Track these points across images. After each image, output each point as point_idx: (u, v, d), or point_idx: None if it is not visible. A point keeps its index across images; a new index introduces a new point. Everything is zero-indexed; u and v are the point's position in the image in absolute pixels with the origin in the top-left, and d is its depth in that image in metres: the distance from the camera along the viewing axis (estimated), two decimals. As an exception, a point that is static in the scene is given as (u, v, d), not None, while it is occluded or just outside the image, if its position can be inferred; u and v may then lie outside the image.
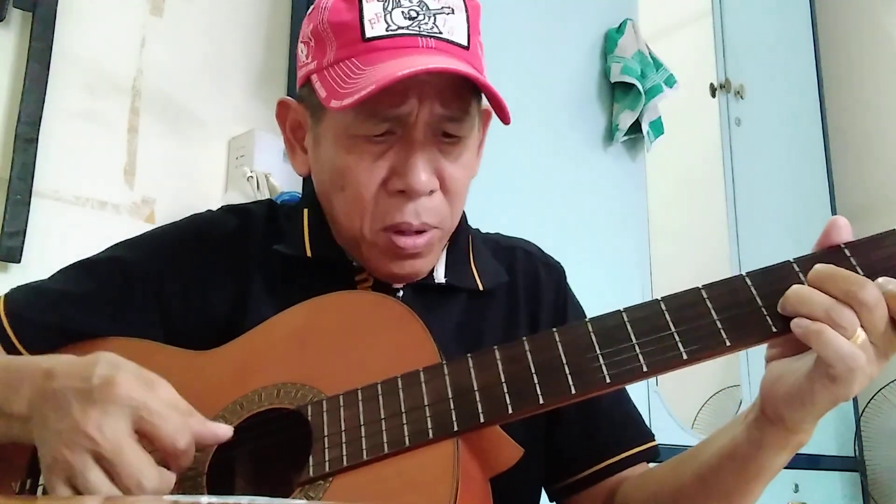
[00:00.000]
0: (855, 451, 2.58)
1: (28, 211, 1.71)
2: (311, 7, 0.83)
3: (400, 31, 0.77)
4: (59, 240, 1.74)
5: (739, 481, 0.71)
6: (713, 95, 2.65)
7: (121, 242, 0.92)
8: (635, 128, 2.26)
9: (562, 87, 2.22)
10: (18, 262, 1.67)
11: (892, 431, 2.51)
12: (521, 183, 2.02)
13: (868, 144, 2.91)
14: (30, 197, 1.72)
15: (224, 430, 0.69)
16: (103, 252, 0.91)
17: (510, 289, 0.91)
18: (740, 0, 2.77)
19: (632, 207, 2.30)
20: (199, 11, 2.11)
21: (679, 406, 2.29)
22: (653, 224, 2.34)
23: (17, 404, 0.69)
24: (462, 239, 0.91)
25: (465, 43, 0.80)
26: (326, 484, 0.66)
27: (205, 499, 0.54)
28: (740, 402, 2.41)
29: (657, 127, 2.32)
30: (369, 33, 0.77)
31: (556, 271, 0.96)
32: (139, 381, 0.65)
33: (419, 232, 0.80)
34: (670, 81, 2.32)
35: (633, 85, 2.24)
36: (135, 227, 0.93)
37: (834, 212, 2.84)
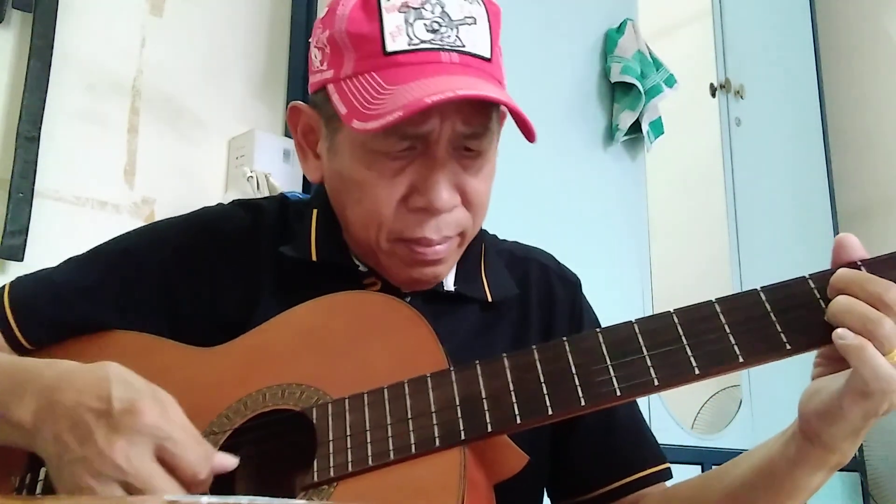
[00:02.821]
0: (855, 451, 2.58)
1: (30, 210, 1.71)
2: (326, 11, 0.81)
3: (423, 46, 0.74)
4: (59, 239, 1.74)
5: (772, 500, 0.70)
6: (713, 95, 2.65)
7: (131, 232, 0.90)
8: (635, 128, 2.26)
9: (562, 87, 2.22)
10: (21, 260, 1.68)
11: (892, 431, 2.51)
12: (521, 183, 2.02)
13: (868, 144, 2.91)
14: (31, 196, 1.72)
15: (233, 461, 0.68)
16: (113, 241, 0.89)
17: (523, 301, 0.89)
18: (740, 0, 2.77)
19: (632, 207, 2.30)
20: (199, 11, 2.11)
21: (679, 406, 2.29)
22: (653, 224, 2.34)
23: (20, 412, 0.67)
24: (475, 247, 0.89)
25: (487, 55, 0.77)
26: (331, 489, 0.65)
27: (205, 499, 0.54)
28: (740, 402, 2.41)
29: (657, 127, 2.32)
30: (391, 47, 0.74)
31: (571, 285, 0.94)
32: (158, 406, 0.65)
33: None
34: (670, 81, 2.32)
35: (633, 85, 2.24)
36: (134, 227, 0.92)
37: (834, 212, 2.84)
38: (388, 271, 0.82)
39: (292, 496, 0.68)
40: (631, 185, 2.32)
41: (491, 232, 0.98)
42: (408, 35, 0.74)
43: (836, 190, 2.87)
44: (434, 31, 0.75)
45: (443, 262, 0.81)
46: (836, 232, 2.81)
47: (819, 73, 2.96)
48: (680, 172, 2.80)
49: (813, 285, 0.64)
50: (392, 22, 0.74)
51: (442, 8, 0.76)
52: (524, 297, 0.90)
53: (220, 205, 0.93)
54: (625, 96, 2.26)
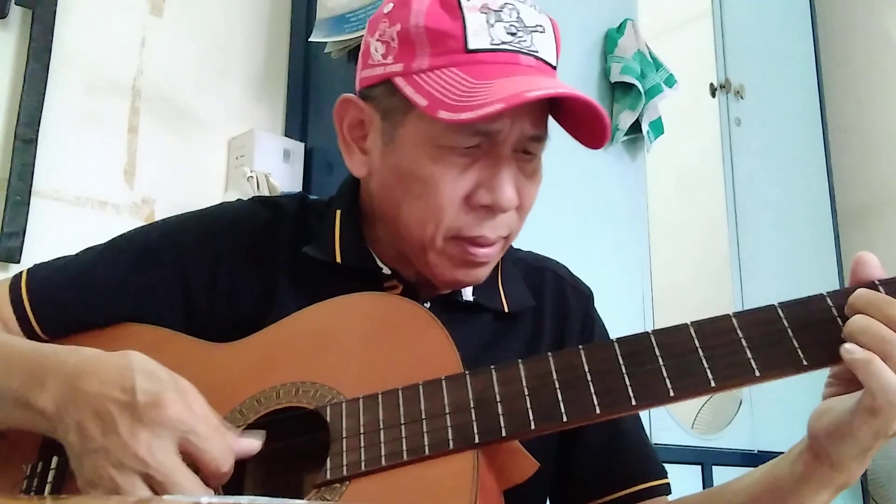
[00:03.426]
0: (855, 451, 2.58)
1: (28, 211, 1.71)
2: (391, 6, 0.81)
3: (503, 47, 0.76)
4: (58, 240, 1.74)
5: None
6: (713, 95, 2.65)
7: (151, 226, 0.91)
8: (635, 128, 2.26)
9: (562, 87, 2.22)
10: (18, 262, 1.68)
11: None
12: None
13: (868, 144, 2.91)
14: (29, 197, 1.72)
15: (257, 444, 0.69)
16: (133, 234, 0.90)
17: (537, 311, 0.90)
18: (740, 0, 2.77)
19: (632, 207, 2.30)
20: (199, 11, 2.11)
21: (679, 406, 2.29)
22: (653, 224, 2.34)
23: (43, 399, 0.68)
24: None
25: (554, 63, 0.81)
26: (343, 488, 0.65)
27: (205, 499, 0.54)
28: (740, 402, 2.41)
29: (657, 127, 2.32)
30: (473, 45, 0.75)
31: (584, 297, 0.95)
32: (182, 399, 0.65)
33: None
34: (670, 81, 2.32)
35: (633, 85, 2.23)
36: (151, 222, 0.92)
37: (834, 212, 2.84)
38: (433, 270, 0.81)
39: (302, 494, 0.68)
40: (631, 185, 2.32)
41: (524, 249, 0.99)
42: (489, 35, 0.76)
43: (836, 190, 2.87)
44: (512, 35, 0.77)
45: (489, 264, 0.82)
46: (836, 232, 2.81)
47: (819, 73, 2.96)
48: (680, 172, 2.80)
49: (831, 303, 0.64)
50: (475, 21, 0.76)
51: (518, 13, 0.78)
52: (538, 307, 0.90)
53: (239, 201, 0.93)
54: (625, 96, 2.26)
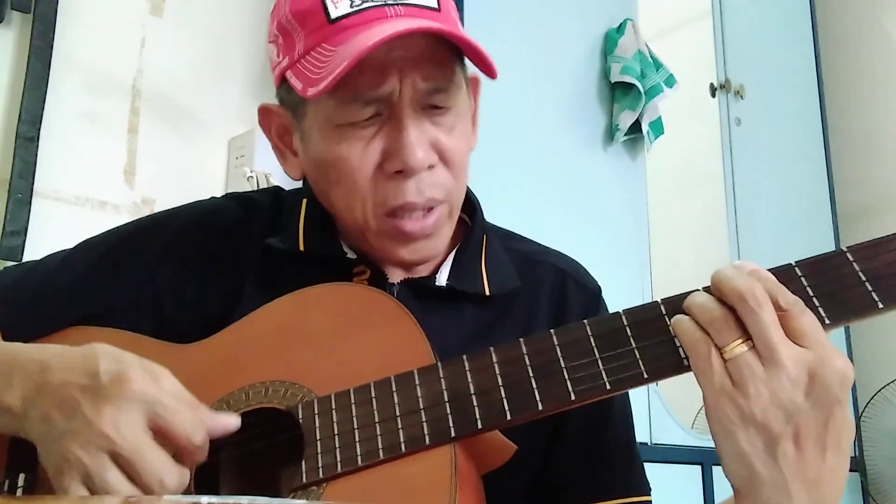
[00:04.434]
0: (855, 451, 2.58)
1: (29, 210, 1.71)
2: (273, 6, 0.80)
3: (366, 5, 0.73)
4: (59, 239, 1.74)
5: None
6: (713, 95, 2.65)
7: (120, 227, 0.89)
8: (635, 128, 2.26)
9: (562, 87, 2.22)
10: (19, 261, 1.68)
11: (892, 431, 2.51)
12: (521, 182, 2.02)
13: (868, 144, 2.91)
14: (31, 196, 1.72)
15: (234, 422, 0.67)
16: (102, 236, 0.88)
17: (531, 301, 0.85)
18: (740, 0, 2.77)
19: (632, 207, 2.30)
20: (199, 11, 2.11)
21: (679, 406, 2.29)
22: (653, 224, 2.34)
23: (9, 397, 0.66)
24: (475, 239, 0.86)
25: (434, 5, 0.75)
26: (320, 490, 0.64)
27: (205, 499, 0.54)
28: (740, 402, 2.41)
29: (657, 127, 2.32)
30: (334, 14, 0.73)
31: (589, 291, 0.89)
32: (148, 374, 0.64)
33: (427, 210, 0.77)
34: (670, 81, 2.32)
35: (633, 85, 2.24)
36: (125, 222, 0.92)
37: (834, 212, 2.84)
38: (381, 253, 0.80)
39: (279, 497, 0.67)
40: (631, 185, 2.32)
41: (532, 239, 0.95)
42: None
43: (836, 190, 2.87)
44: None
45: (432, 235, 0.79)
46: (836, 232, 2.81)
47: (819, 74, 2.96)
48: (680, 172, 2.80)
49: (799, 271, 0.64)
50: None
51: None
52: (533, 298, 0.86)
53: (212, 198, 0.91)
54: (625, 96, 2.26)
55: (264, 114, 0.84)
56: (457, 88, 0.76)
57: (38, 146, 1.75)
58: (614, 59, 2.28)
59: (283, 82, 0.78)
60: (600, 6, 2.36)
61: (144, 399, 0.62)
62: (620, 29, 2.33)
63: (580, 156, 2.22)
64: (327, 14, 0.73)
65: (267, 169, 1.99)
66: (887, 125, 2.87)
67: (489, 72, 0.74)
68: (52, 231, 1.75)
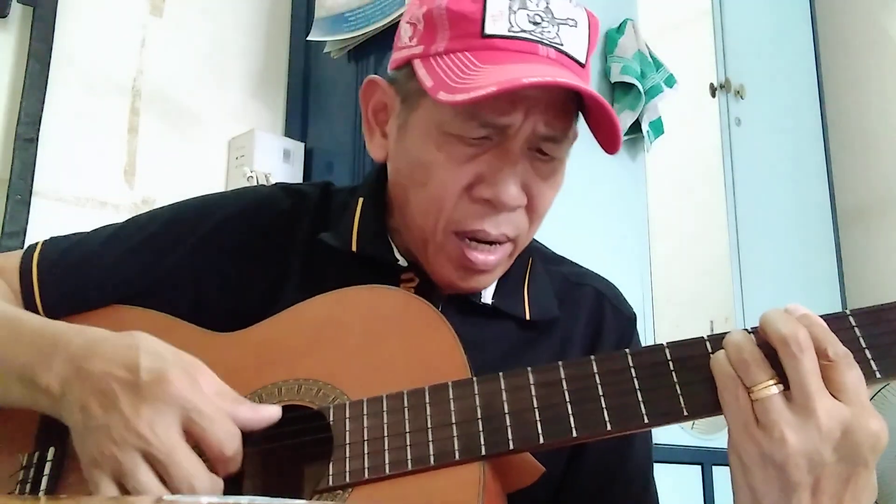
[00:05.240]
0: (855, 451, 2.58)
1: (28, 211, 1.71)
2: None
3: (522, 35, 0.72)
4: (59, 240, 1.74)
5: None
6: (713, 95, 2.65)
7: (172, 206, 0.89)
8: (635, 128, 2.26)
9: (562, 87, 2.22)
10: (18, 262, 1.68)
11: (892, 431, 2.50)
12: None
13: (868, 144, 2.91)
14: (30, 197, 1.72)
15: (274, 412, 0.68)
16: (150, 214, 0.88)
17: (568, 325, 0.86)
18: (740, 0, 2.77)
19: (632, 207, 2.30)
20: (199, 11, 2.11)
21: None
22: (653, 224, 2.34)
23: (48, 377, 0.67)
24: (521, 262, 0.85)
25: (582, 60, 0.75)
26: (345, 494, 0.64)
27: (205, 499, 0.54)
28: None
29: (657, 127, 2.32)
30: (490, 30, 0.72)
31: (625, 318, 0.90)
32: (187, 376, 0.64)
33: (493, 243, 0.77)
34: (670, 81, 2.32)
35: (633, 85, 2.23)
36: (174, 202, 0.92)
37: (834, 212, 2.84)
38: (434, 267, 0.79)
39: (301, 497, 0.67)
40: (631, 185, 2.32)
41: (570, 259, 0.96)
42: (509, 21, 0.73)
43: (836, 190, 2.87)
44: (535, 24, 0.73)
45: (491, 272, 0.79)
46: (836, 232, 2.81)
47: (819, 73, 2.96)
48: (680, 172, 2.80)
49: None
50: (496, 6, 0.73)
51: (547, 4, 0.74)
52: (570, 321, 0.86)
53: (262, 186, 0.91)
54: (625, 96, 2.26)
55: (370, 85, 0.83)
56: (567, 142, 0.77)
57: (37, 147, 1.75)
58: (614, 59, 2.28)
59: (404, 66, 0.77)
60: (600, 6, 2.35)
61: (182, 404, 0.63)
62: (620, 29, 2.33)
63: (580, 156, 2.22)
64: (483, 27, 0.73)
65: (267, 169, 2.00)
66: (887, 125, 2.87)
67: (611, 147, 0.75)
68: (52, 231, 1.75)
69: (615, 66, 2.27)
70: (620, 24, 2.34)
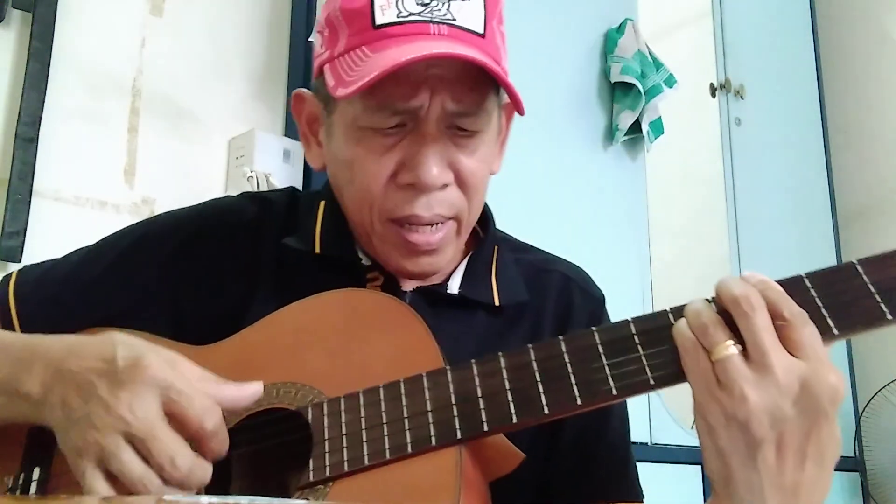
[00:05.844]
0: (855, 451, 2.58)
1: (28, 211, 1.71)
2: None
3: (411, 18, 0.74)
4: (59, 240, 1.74)
5: None
6: (713, 95, 2.65)
7: (137, 225, 0.90)
8: (635, 128, 2.26)
9: (562, 87, 2.22)
10: (18, 261, 1.67)
11: (892, 431, 2.51)
12: (521, 183, 2.01)
13: (868, 144, 2.91)
14: (30, 197, 1.72)
15: (257, 387, 0.68)
16: (119, 234, 0.89)
17: (538, 310, 0.87)
18: (740, 0, 2.77)
19: (632, 207, 2.30)
20: (199, 11, 2.11)
21: (679, 406, 2.29)
22: (653, 224, 2.34)
23: (29, 384, 0.68)
24: (486, 249, 0.88)
25: (480, 30, 0.76)
26: (326, 489, 0.65)
27: (205, 499, 0.54)
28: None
29: (657, 127, 2.32)
30: (379, 20, 0.74)
31: (593, 300, 0.91)
32: (165, 361, 0.65)
33: (434, 225, 0.78)
34: (670, 81, 2.32)
35: (633, 85, 2.24)
36: (139, 220, 0.92)
37: (834, 212, 2.84)
38: (383, 257, 0.81)
39: (287, 495, 0.68)
40: (631, 185, 2.32)
41: (540, 247, 0.96)
42: (397, 7, 0.74)
43: (836, 190, 2.87)
44: (424, 5, 0.74)
45: (438, 251, 0.80)
46: (836, 232, 2.81)
47: (819, 73, 2.96)
48: (680, 172, 2.80)
49: (808, 282, 0.65)
50: None
51: None
52: (540, 306, 0.87)
53: (227, 197, 0.93)
54: (625, 96, 2.26)
55: (298, 99, 0.86)
56: (485, 114, 0.78)
57: (37, 146, 1.75)
58: (614, 59, 2.28)
59: (320, 74, 0.79)
60: (600, 6, 2.36)
61: (159, 383, 0.63)
62: (620, 29, 2.33)
63: (580, 156, 2.22)
64: (373, 19, 0.74)
65: (267, 169, 1.99)
66: (887, 125, 2.87)
67: (517, 107, 0.76)
68: (52, 231, 1.75)
69: (615, 66, 2.27)
70: (620, 24, 2.34)
